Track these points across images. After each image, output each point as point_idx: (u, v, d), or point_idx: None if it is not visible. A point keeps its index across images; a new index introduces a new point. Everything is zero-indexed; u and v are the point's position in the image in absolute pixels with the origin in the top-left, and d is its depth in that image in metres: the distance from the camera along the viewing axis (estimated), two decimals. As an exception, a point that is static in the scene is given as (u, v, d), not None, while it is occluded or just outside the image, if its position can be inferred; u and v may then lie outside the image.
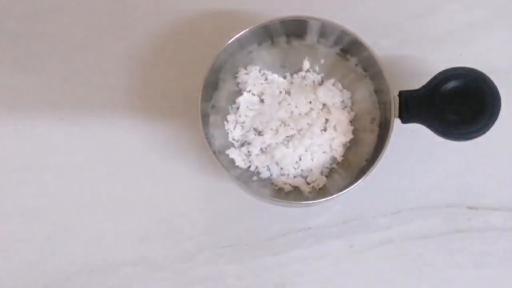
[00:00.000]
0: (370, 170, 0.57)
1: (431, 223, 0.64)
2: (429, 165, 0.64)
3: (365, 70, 0.62)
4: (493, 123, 0.56)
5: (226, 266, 0.64)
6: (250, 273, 0.64)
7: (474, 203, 0.64)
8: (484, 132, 0.56)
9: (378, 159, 0.57)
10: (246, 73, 0.63)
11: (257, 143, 0.62)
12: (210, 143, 0.59)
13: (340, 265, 0.64)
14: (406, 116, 0.57)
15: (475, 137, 0.56)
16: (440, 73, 0.57)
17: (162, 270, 0.64)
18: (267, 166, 0.62)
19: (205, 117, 0.60)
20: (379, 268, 0.64)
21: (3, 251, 0.64)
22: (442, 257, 0.64)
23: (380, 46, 0.64)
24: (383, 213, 0.64)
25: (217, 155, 0.60)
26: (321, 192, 0.61)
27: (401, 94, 0.58)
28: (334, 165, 0.62)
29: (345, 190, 0.57)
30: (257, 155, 0.62)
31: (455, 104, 0.56)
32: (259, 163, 0.62)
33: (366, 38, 0.59)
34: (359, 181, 0.57)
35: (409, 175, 0.64)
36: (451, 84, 0.56)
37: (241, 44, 0.61)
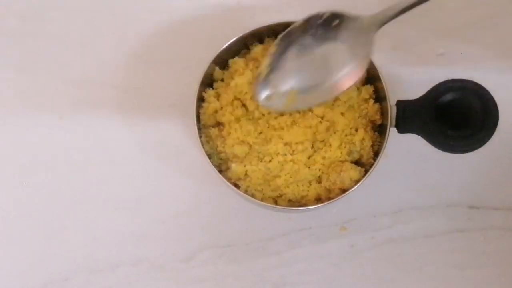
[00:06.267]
0: (368, 173, 0.56)
1: (432, 222, 0.64)
2: (430, 164, 0.64)
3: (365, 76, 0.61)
4: (488, 139, 0.54)
5: (226, 266, 0.64)
6: (250, 273, 0.64)
7: (475, 203, 0.64)
8: (479, 147, 0.54)
9: (376, 162, 0.56)
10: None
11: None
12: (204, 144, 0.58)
13: (341, 265, 0.64)
14: (403, 126, 0.56)
15: (470, 151, 0.54)
16: (439, 85, 0.55)
17: (162, 270, 0.64)
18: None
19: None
20: (380, 268, 0.64)
21: (2, 251, 0.64)
22: (443, 257, 0.64)
23: (380, 50, 0.64)
24: (383, 212, 0.64)
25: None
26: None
27: (399, 104, 0.56)
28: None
29: (344, 194, 0.56)
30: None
31: (452, 116, 0.55)
32: None
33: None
34: (358, 184, 0.56)
35: (409, 174, 0.64)
36: (449, 96, 0.54)
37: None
